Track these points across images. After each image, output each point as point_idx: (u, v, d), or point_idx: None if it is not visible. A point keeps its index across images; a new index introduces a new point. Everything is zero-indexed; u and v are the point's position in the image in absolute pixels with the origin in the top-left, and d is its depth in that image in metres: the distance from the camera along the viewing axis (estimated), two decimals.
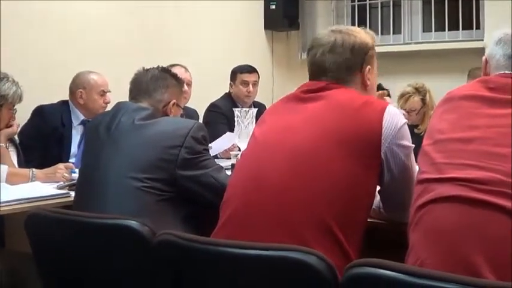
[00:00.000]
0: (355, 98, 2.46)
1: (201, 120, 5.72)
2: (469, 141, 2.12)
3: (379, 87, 2.89)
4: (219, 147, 4.73)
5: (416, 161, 2.39)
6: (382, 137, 2.36)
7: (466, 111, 2.22)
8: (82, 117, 4.83)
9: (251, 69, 6.20)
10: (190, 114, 5.41)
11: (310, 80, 2.62)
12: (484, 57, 2.43)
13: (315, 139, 2.35)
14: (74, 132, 4.82)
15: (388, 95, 6.07)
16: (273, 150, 2.41)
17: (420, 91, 5.83)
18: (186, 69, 5.44)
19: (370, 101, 2.46)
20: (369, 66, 2.62)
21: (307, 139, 2.36)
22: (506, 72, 2.28)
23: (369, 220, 2.53)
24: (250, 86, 6.10)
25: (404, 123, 2.44)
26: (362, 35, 2.64)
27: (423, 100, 5.81)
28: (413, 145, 2.49)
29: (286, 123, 2.47)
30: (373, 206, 2.57)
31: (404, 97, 5.84)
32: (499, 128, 2.10)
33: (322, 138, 2.34)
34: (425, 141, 2.30)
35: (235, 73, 6.17)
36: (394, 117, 2.41)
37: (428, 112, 5.65)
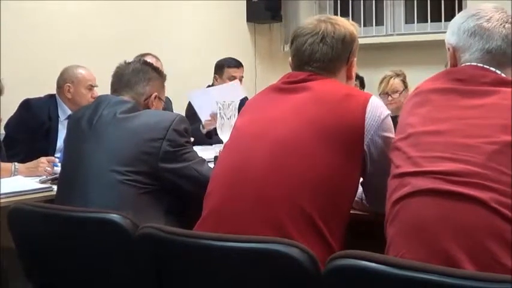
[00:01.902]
0: (337, 90, 2.45)
1: (175, 109, 5.71)
2: (441, 134, 2.12)
3: (356, 76, 2.89)
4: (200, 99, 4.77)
5: None
6: (365, 129, 2.36)
7: (436, 104, 2.22)
8: (69, 112, 4.78)
9: (239, 64, 6.19)
10: (166, 103, 5.37)
11: (293, 69, 2.61)
12: (450, 47, 2.40)
13: (298, 131, 2.34)
14: (60, 126, 4.79)
15: (362, 84, 6.09)
16: (256, 142, 2.40)
17: (399, 74, 5.89)
18: (158, 59, 5.40)
19: (353, 93, 2.46)
20: (354, 58, 2.62)
21: (289, 131, 2.35)
22: (478, 65, 2.28)
23: (352, 212, 2.53)
24: (237, 80, 6.09)
25: (387, 115, 2.44)
26: (349, 26, 2.63)
27: (404, 83, 5.85)
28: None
29: (268, 115, 2.46)
30: (356, 198, 2.58)
31: (385, 79, 5.88)
32: (470, 119, 2.10)
33: (305, 130, 2.34)
34: (396, 136, 2.29)
35: (222, 67, 6.15)
36: (377, 108, 2.41)
37: None
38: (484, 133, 2.04)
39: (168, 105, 5.49)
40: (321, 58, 2.54)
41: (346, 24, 2.61)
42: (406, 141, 2.21)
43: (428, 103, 2.24)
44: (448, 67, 2.46)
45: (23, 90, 4.85)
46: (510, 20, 2.30)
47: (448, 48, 2.40)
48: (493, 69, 2.24)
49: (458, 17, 2.39)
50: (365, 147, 2.37)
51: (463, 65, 2.31)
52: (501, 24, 2.29)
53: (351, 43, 2.60)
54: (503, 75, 2.23)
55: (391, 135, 2.45)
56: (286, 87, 2.53)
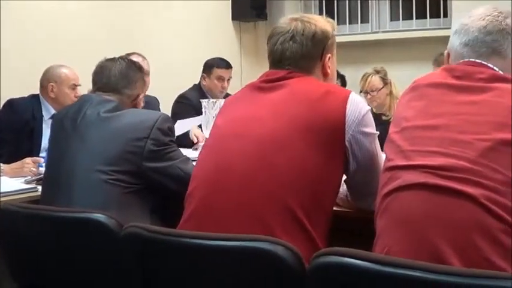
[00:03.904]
0: (317, 87, 2.45)
1: (162, 107, 5.70)
2: (435, 129, 2.12)
3: (338, 74, 2.89)
4: (182, 126, 4.73)
5: (382, 149, 2.40)
6: (346, 125, 2.35)
7: (432, 98, 2.22)
8: (53, 111, 4.76)
9: (228, 65, 6.18)
10: (151, 101, 5.36)
11: (270, 68, 2.62)
12: (446, 51, 2.44)
13: (279, 129, 2.34)
14: (44, 126, 4.76)
15: (344, 82, 6.10)
16: (237, 141, 2.39)
17: (379, 71, 5.88)
18: (144, 58, 5.39)
19: (333, 90, 2.46)
20: (329, 55, 2.61)
21: (270, 129, 2.35)
22: (471, 60, 2.29)
23: (337, 209, 2.54)
24: (226, 82, 6.10)
25: (367, 111, 2.44)
26: (322, 23, 2.63)
27: (383, 80, 5.85)
28: (378, 132, 2.49)
29: (249, 114, 2.46)
30: (341, 195, 2.59)
31: (364, 78, 5.89)
32: (464, 115, 2.10)
33: (286, 128, 2.33)
34: (391, 129, 2.29)
35: (211, 66, 6.13)
36: (358, 104, 2.41)
37: (393, 100, 5.69)
38: (478, 130, 2.04)
39: (155, 105, 5.50)
40: (291, 56, 2.55)
41: (318, 22, 2.62)
42: (400, 135, 2.22)
43: (424, 97, 2.25)
44: (440, 63, 2.48)
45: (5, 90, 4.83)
46: (495, 13, 2.30)
47: (446, 54, 2.44)
48: (490, 65, 2.24)
49: None
50: (346, 143, 2.36)
51: (460, 61, 2.32)
52: (481, 18, 2.31)
53: (323, 40, 2.59)
54: (500, 71, 2.23)
55: (372, 130, 2.46)
56: (265, 85, 2.53)
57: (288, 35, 2.56)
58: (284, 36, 2.56)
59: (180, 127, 4.69)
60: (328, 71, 2.61)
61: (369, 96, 5.82)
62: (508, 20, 2.30)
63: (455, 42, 2.35)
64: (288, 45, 2.55)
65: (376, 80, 5.84)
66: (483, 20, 2.30)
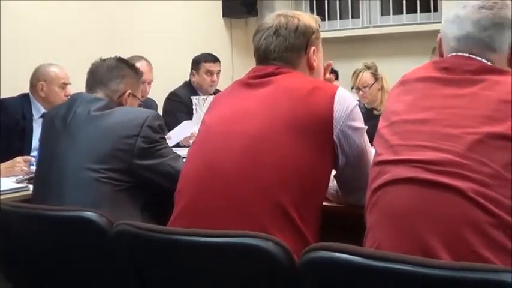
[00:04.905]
0: (304, 83, 2.46)
1: (160, 110, 5.71)
2: (424, 123, 2.12)
3: (331, 70, 2.88)
4: (178, 136, 4.72)
5: (372, 144, 2.40)
6: (334, 120, 2.36)
7: (421, 92, 2.22)
8: (43, 110, 4.75)
9: (215, 59, 6.20)
10: (150, 104, 5.40)
11: (257, 65, 2.63)
12: (439, 36, 2.41)
13: (267, 125, 2.35)
14: (35, 125, 4.75)
15: (337, 78, 6.11)
16: (226, 137, 2.40)
17: (370, 67, 5.89)
18: (150, 67, 5.42)
19: (320, 86, 2.47)
20: (313, 47, 2.62)
21: (259, 125, 2.36)
22: (464, 54, 2.28)
23: (327, 204, 2.55)
24: (215, 75, 6.11)
25: (355, 105, 2.45)
26: (305, 17, 2.65)
27: (374, 75, 5.86)
28: (366, 127, 2.50)
29: (236, 110, 2.47)
30: (332, 190, 2.59)
31: (355, 74, 5.91)
32: (453, 108, 2.10)
33: (275, 123, 2.34)
34: (380, 124, 2.29)
35: (198, 62, 6.15)
36: (345, 99, 2.42)
37: (385, 95, 5.70)
38: (466, 123, 2.04)
39: (152, 106, 5.50)
40: (276, 49, 2.57)
41: (302, 17, 2.64)
42: (389, 129, 2.22)
43: (413, 92, 2.25)
44: (435, 52, 2.46)
45: None
46: (490, 4, 2.26)
47: (439, 39, 2.42)
48: (479, 58, 2.23)
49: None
50: (335, 138, 2.37)
51: (449, 55, 2.31)
52: (476, 10, 2.26)
53: (307, 32, 2.60)
54: (489, 63, 2.22)
55: (361, 125, 2.47)
56: (252, 81, 2.54)
57: (272, 29, 2.58)
58: (268, 32, 2.59)
59: (177, 136, 4.68)
60: (314, 64, 2.63)
61: (360, 92, 5.83)
62: (504, 11, 2.26)
63: (448, 34, 2.33)
64: (272, 39, 2.57)
65: (367, 76, 5.85)
66: (478, 12, 2.25)
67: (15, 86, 5.04)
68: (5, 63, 5.43)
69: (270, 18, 2.63)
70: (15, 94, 4.93)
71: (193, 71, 6.16)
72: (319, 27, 2.69)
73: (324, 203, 2.47)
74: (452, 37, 2.30)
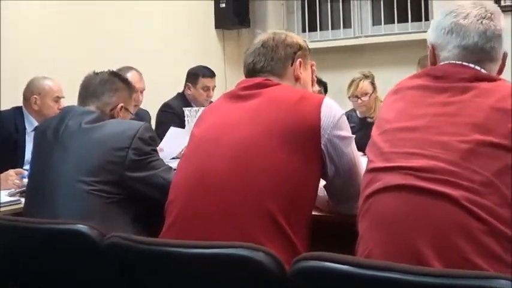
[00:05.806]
0: (291, 93, 2.48)
1: (153, 121, 5.70)
2: (414, 130, 2.13)
3: (318, 81, 2.90)
4: (170, 148, 4.64)
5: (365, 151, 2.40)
6: (321, 129, 2.37)
7: (412, 100, 2.23)
8: (36, 123, 4.72)
9: (212, 74, 6.18)
10: (142, 115, 5.38)
11: (246, 77, 2.66)
12: (430, 45, 2.40)
13: (255, 135, 2.36)
14: (28, 138, 4.73)
15: (326, 91, 6.12)
16: (215, 147, 2.41)
17: (368, 76, 5.91)
18: (141, 76, 5.40)
19: (307, 96, 2.49)
20: (299, 59, 2.66)
21: (247, 136, 2.37)
22: (457, 62, 2.28)
23: (318, 214, 2.55)
24: (211, 90, 6.10)
25: (342, 114, 2.46)
26: (294, 35, 2.73)
27: (373, 84, 5.88)
28: (354, 136, 2.52)
29: (226, 121, 2.48)
30: (322, 200, 2.60)
31: (354, 83, 5.89)
32: (444, 116, 2.11)
33: (263, 134, 2.36)
34: (374, 131, 2.31)
35: (196, 76, 6.12)
36: (332, 109, 2.43)
37: (378, 103, 5.71)
38: (457, 131, 2.05)
39: (145, 117, 5.49)
40: (263, 59, 2.62)
41: (290, 34, 2.73)
42: (381, 137, 2.23)
43: (405, 99, 2.26)
44: (423, 65, 2.46)
45: None
46: (488, 15, 2.28)
47: (428, 46, 2.41)
48: (472, 65, 2.24)
49: (438, 15, 2.40)
50: (322, 147, 2.38)
51: (442, 63, 2.31)
52: (478, 20, 2.27)
53: (293, 46, 2.67)
54: (483, 71, 2.24)
55: (348, 134, 2.48)
56: (241, 93, 2.56)
57: (259, 44, 2.65)
58: (256, 46, 2.66)
59: (168, 147, 4.64)
60: (300, 75, 2.66)
61: (359, 101, 5.83)
62: (500, 23, 2.30)
63: (450, 42, 2.30)
64: (259, 51, 2.63)
65: (367, 85, 5.86)
66: (481, 23, 2.27)
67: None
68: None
69: (261, 36, 2.69)
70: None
71: (189, 84, 6.12)
72: (308, 48, 2.74)
73: (314, 213, 2.48)
74: (454, 45, 2.30)
